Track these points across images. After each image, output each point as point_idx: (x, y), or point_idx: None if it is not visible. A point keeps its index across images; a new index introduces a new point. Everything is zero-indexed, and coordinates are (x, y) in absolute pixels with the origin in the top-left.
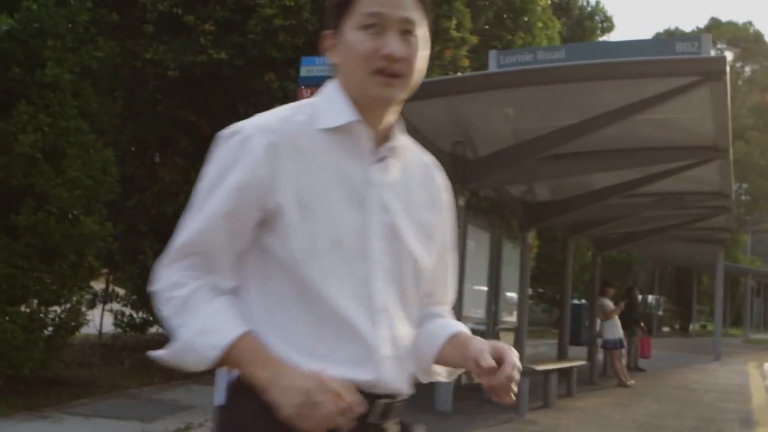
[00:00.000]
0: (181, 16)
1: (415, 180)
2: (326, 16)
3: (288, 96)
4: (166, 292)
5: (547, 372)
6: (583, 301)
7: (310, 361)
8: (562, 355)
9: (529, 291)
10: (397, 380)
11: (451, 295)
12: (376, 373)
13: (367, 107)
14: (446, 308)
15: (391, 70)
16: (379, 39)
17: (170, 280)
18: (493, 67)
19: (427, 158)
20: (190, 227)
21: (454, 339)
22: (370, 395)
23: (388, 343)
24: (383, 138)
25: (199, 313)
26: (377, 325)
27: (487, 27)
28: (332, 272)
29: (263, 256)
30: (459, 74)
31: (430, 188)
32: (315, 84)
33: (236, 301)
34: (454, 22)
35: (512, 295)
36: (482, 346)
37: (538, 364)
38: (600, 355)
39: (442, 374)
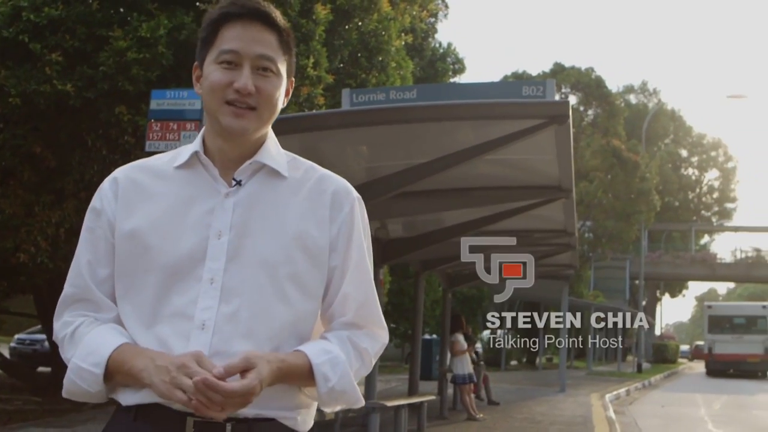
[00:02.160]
0: (28, 44)
1: (294, 196)
2: (196, 50)
3: (138, 129)
4: (59, 334)
5: (397, 407)
6: (435, 336)
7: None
8: (413, 391)
9: None
10: None
11: (349, 313)
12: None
13: (224, 136)
14: (337, 328)
15: (242, 103)
16: (233, 73)
17: (60, 323)
18: (346, 105)
19: (322, 175)
20: (68, 279)
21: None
22: (181, 413)
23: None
24: (244, 162)
25: (82, 341)
26: (191, 342)
27: (342, 66)
28: (156, 296)
29: None
30: (314, 111)
31: (318, 204)
32: (165, 117)
33: (117, 323)
34: (311, 60)
35: None
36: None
37: (389, 399)
38: (450, 390)
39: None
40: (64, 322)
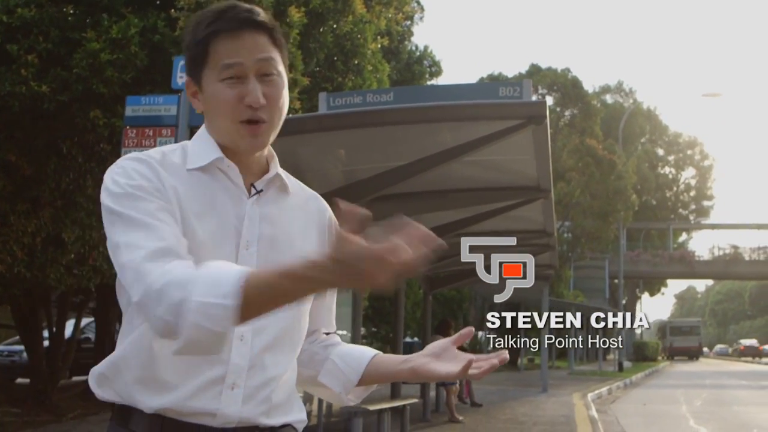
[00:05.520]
0: (3, 45)
1: (300, 211)
2: (186, 64)
3: (115, 134)
4: (158, 283)
5: (380, 411)
6: (416, 339)
7: (160, 387)
8: (395, 394)
9: (363, 330)
10: (243, 412)
11: (333, 324)
12: (218, 403)
13: (239, 152)
14: (336, 337)
15: (256, 118)
16: (241, 86)
17: (159, 271)
18: (323, 109)
19: (314, 194)
20: (145, 239)
21: (377, 359)
22: (215, 428)
23: (240, 372)
24: (258, 173)
25: (197, 279)
26: (233, 352)
27: (318, 69)
28: None
29: None
30: (291, 116)
31: (319, 219)
32: (141, 124)
33: None
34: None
35: (345, 333)
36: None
37: (371, 403)
38: (432, 392)
39: (356, 395)
40: (164, 271)
